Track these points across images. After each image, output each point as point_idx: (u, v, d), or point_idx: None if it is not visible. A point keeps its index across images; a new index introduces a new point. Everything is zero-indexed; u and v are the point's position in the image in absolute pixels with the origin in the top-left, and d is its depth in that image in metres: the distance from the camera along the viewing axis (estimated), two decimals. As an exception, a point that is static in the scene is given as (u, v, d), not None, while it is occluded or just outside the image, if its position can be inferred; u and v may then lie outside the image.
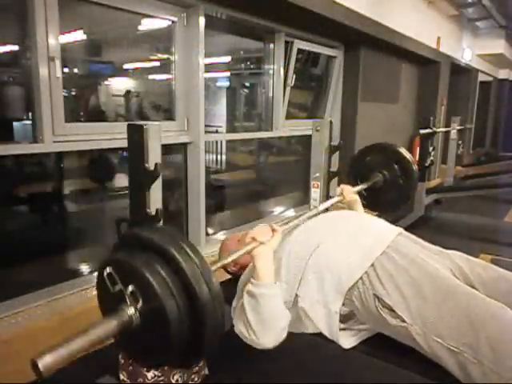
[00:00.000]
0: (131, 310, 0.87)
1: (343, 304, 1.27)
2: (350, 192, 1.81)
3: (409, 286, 1.18)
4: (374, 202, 2.09)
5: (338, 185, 1.86)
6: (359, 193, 1.90)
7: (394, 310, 1.18)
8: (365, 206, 1.91)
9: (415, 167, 2.06)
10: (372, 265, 1.25)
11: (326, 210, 1.70)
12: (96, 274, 0.97)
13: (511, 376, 0.99)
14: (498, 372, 1.01)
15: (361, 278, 1.25)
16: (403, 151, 2.08)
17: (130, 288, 0.86)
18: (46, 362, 0.73)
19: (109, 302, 0.93)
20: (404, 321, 1.16)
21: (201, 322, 0.86)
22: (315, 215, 1.59)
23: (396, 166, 2.05)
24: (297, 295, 1.32)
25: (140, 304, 0.87)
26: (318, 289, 1.29)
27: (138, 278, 0.86)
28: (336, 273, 1.27)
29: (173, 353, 0.90)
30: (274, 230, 1.29)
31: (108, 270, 0.90)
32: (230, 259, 1.18)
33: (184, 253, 0.88)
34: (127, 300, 0.87)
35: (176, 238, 0.92)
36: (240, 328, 1.24)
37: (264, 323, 1.19)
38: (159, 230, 0.95)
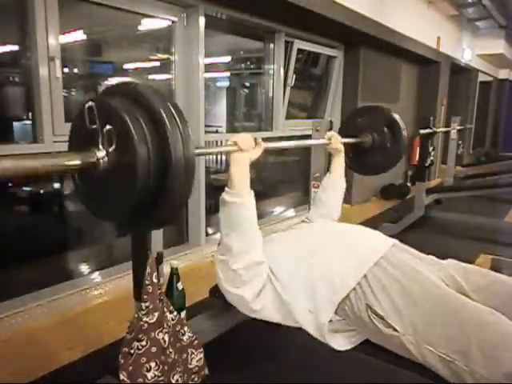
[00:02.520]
0: (101, 153, 0.85)
1: (335, 313, 1.26)
2: (338, 141, 1.81)
3: (401, 295, 1.19)
4: (359, 162, 2.11)
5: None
6: (346, 152, 1.89)
7: (385, 320, 1.18)
8: (348, 166, 1.93)
9: (405, 133, 2.04)
10: (365, 275, 1.25)
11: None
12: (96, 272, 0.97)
13: (503, 382, 0.99)
14: (489, 379, 1.01)
15: (353, 288, 1.25)
16: (397, 117, 2.06)
17: (107, 127, 0.84)
18: (3, 164, 0.74)
19: (81, 141, 0.91)
20: (396, 330, 1.16)
21: (168, 182, 0.85)
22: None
23: (386, 131, 2.04)
24: (289, 303, 1.29)
25: (112, 147, 0.85)
26: (309, 298, 1.27)
27: (117, 121, 0.84)
28: (329, 282, 1.26)
29: (130, 206, 0.88)
30: (257, 143, 1.30)
31: (90, 103, 0.87)
32: (209, 150, 1.16)
33: (170, 113, 0.86)
34: (100, 141, 0.86)
35: (166, 99, 0.89)
36: (219, 256, 1.26)
37: (237, 232, 1.21)
38: (152, 90, 0.91)
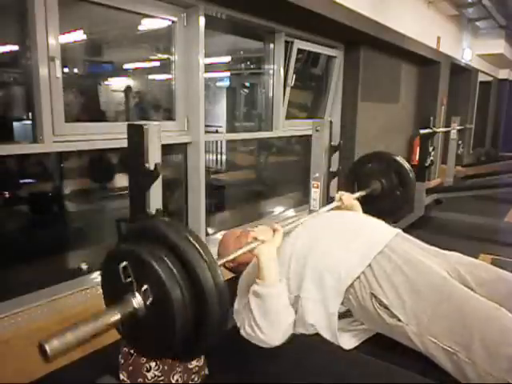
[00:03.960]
0: (138, 301, 0.88)
1: (342, 303, 1.28)
2: (349, 198, 1.83)
3: (405, 285, 1.19)
4: (373, 209, 2.10)
5: (338, 186, 1.87)
6: (358, 200, 1.91)
7: (389, 309, 1.18)
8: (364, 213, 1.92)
9: (413, 176, 2.07)
10: (369, 264, 1.26)
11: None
12: (98, 273, 0.98)
13: (504, 376, 0.99)
14: (491, 373, 1.01)
15: (358, 277, 1.26)
16: (401, 160, 2.10)
17: (145, 287, 0.87)
18: (53, 345, 0.74)
19: (115, 292, 0.94)
20: (400, 320, 1.16)
21: (205, 314, 0.87)
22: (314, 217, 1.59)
23: (394, 175, 2.07)
24: (299, 296, 1.31)
25: (149, 300, 0.88)
26: (317, 288, 1.29)
27: (148, 271, 0.87)
28: (335, 272, 1.28)
29: (175, 344, 0.90)
30: (275, 230, 1.30)
31: (124, 263, 0.91)
32: (232, 256, 1.19)
33: (191, 245, 0.89)
34: (136, 291, 0.88)
35: (183, 231, 0.92)
36: (247, 329, 1.25)
37: (272, 322, 1.20)
38: (166, 222, 0.96)
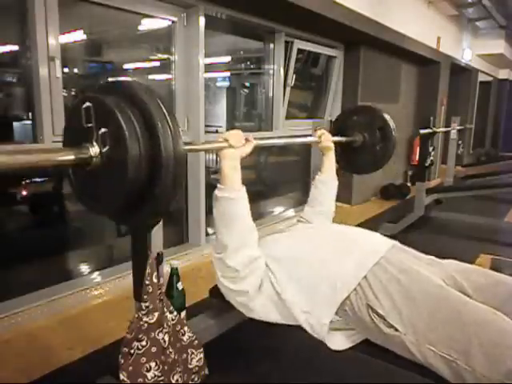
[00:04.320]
0: (95, 150, 0.88)
1: (336, 313, 1.26)
2: (328, 138, 1.80)
3: (401, 295, 1.19)
4: (347, 160, 2.11)
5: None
6: (336, 151, 1.89)
7: (386, 320, 1.18)
8: (339, 165, 1.95)
9: (394, 134, 2.05)
10: (365, 276, 1.25)
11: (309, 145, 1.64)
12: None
13: (503, 380, 0.99)
14: (490, 378, 1.01)
15: (354, 289, 1.25)
16: (388, 118, 2.07)
17: (103, 130, 0.87)
18: None
19: (74, 136, 0.94)
20: (397, 330, 1.16)
21: (158, 177, 0.87)
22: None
23: (378, 132, 2.05)
24: (286, 301, 1.29)
25: (106, 148, 0.88)
26: (309, 298, 1.27)
27: (112, 121, 0.87)
28: (330, 283, 1.26)
29: (122, 200, 0.91)
30: (247, 140, 1.31)
31: (87, 103, 0.90)
32: (199, 147, 1.17)
33: (160, 110, 0.89)
34: (94, 139, 0.88)
35: (157, 99, 0.92)
36: (214, 254, 1.27)
37: (234, 233, 1.23)
38: (146, 89, 0.94)
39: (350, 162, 2.13)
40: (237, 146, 1.27)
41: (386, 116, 2.05)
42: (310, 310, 1.27)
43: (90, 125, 0.89)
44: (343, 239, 1.43)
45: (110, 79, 2.58)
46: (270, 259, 1.34)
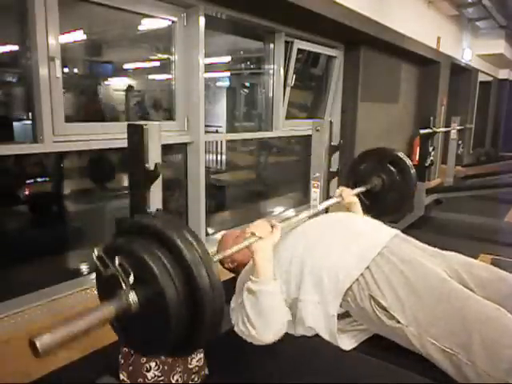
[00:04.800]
0: (131, 296, 0.87)
1: (340, 305, 1.27)
2: (349, 194, 1.81)
3: (404, 287, 1.19)
4: (373, 206, 2.10)
5: (338, 185, 1.86)
6: (358, 197, 1.91)
7: (389, 311, 1.18)
8: (364, 210, 1.92)
9: (413, 170, 2.07)
10: (368, 266, 1.26)
11: (326, 210, 1.70)
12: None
13: (504, 377, 0.99)
14: (491, 374, 1.01)
15: (357, 279, 1.25)
16: (401, 155, 2.10)
17: (132, 278, 0.86)
18: (43, 341, 0.72)
19: (107, 287, 0.92)
20: (399, 322, 1.16)
21: (200, 310, 0.86)
22: (314, 215, 1.59)
23: (394, 170, 2.07)
24: (297, 299, 1.31)
25: (140, 290, 0.87)
26: (316, 291, 1.29)
27: (139, 264, 0.86)
28: (334, 274, 1.27)
29: (170, 339, 0.89)
30: (273, 226, 1.29)
31: (96, 252, 0.90)
32: (229, 252, 1.17)
33: (185, 239, 0.88)
34: (127, 286, 0.87)
35: (177, 225, 0.91)
36: (240, 326, 1.24)
37: (264, 319, 1.19)
38: (160, 217, 0.95)
39: (379, 207, 2.12)
40: (265, 236, 1.24)
41: (399, 153, 2.09)
42: (320, 301, 1.28)
43: (123, 275, 0.88)
44: (346, 231, 1.44)
45: (114, 80, 2.58)
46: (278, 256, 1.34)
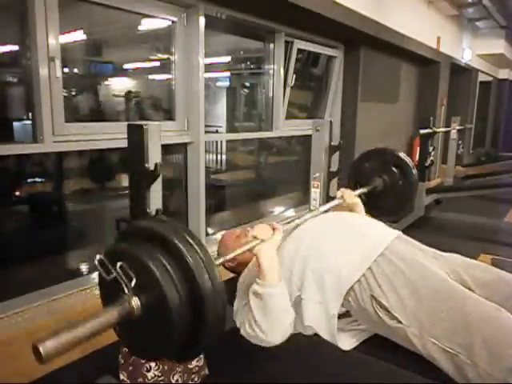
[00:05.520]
0: (134, 301, 0.87)
1: (342, 305, 1.27)
2: (351, 195, 1.81)
3: (405, 287, 1.19)
4: (375, 207, 2.09)
5: (338, 186, 1.86)
6: (359, 197, 1.91)
7: (390, 312, 1.18)
8: (366, 211, 1.92)
9: (415, 170, 2.07)
10: (369, 267, 1.26)
11: (326, 211, 1.70)
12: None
13: (506, 377, 0.99)
14: (492, 374, 1.01)
15: (358, 280, 1.25)
16: (402, 155, 2.10)
17: (134, 282, 0.86)
18: (47, 346, 0.72)
19: (110, 292, 0.93)
20: (400, 322, 1.16)
21: (202, 314, 0.86)
22: (315, 216, 1.59)
23: (395, 170, 2.07)
24: (300, 298, 1.31)
25: (143, 295, 0.87)
26: (318, 289, 1.29)
27: (142, 268, 0.86)
28: (335, 274, 1.28)
29: (172, 344, 0.90)
30: (274, 228, 1.29)
31: (120, 263, 0.90)
32: (231, 255, 1.17)
33: (187, 243, 0.88)
34: (129, 291, 0.87)
35: (179, 229, 0.92)
36: (247, 329, 1.24)
37: (272, 321, 1.20)
38: (161, 221, 0.95)
39: (381, 207, 2.12)
40: (267, 239, 1.25)
41: (400, 154, 2.09)
42: (322, 300, 1.28)
43: (125, 279, 0.88)
44: (348, 231, 1.44)
45: (114, 80, 2.58)
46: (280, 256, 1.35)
